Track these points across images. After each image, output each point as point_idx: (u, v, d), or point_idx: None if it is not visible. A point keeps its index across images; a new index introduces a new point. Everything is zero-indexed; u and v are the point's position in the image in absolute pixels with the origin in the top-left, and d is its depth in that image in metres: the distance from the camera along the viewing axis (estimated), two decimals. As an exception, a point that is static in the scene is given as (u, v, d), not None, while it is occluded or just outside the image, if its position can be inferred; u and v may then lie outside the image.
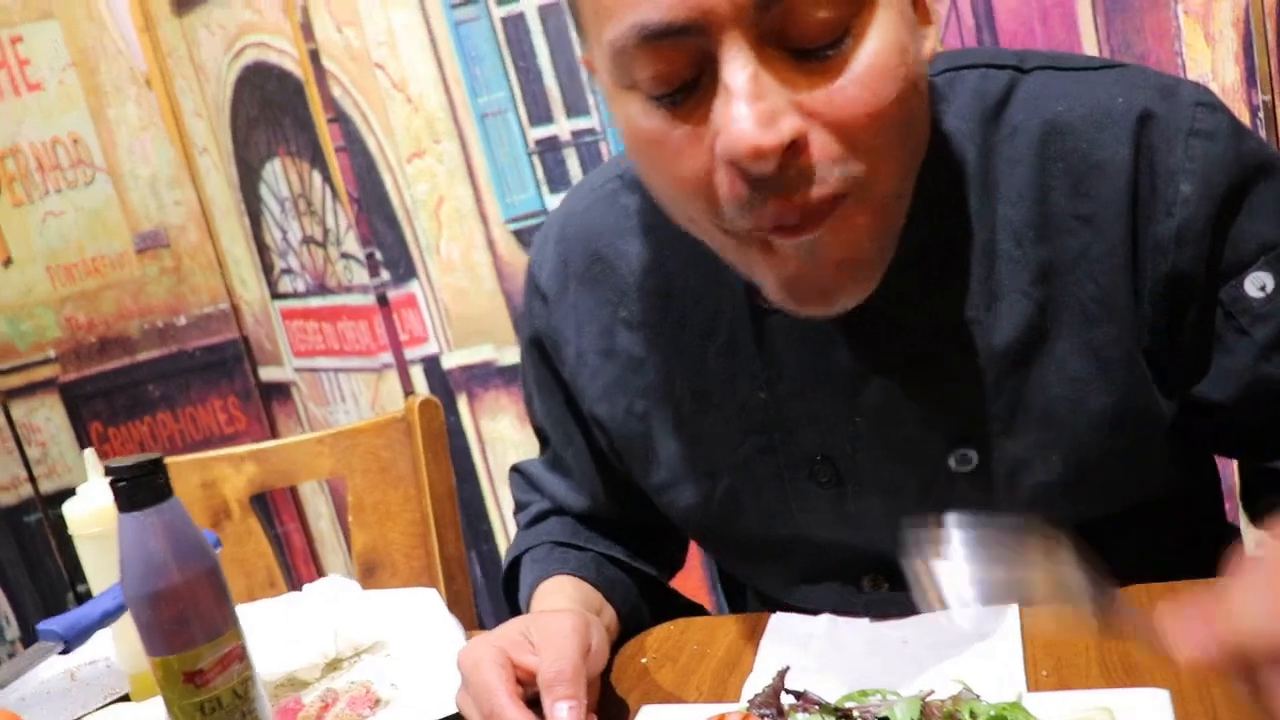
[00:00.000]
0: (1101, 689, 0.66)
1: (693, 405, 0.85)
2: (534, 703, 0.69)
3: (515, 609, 0.97)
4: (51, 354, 2.26)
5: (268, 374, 2.23)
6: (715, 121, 0.62)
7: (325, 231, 1.99)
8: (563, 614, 0.76)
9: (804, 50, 0.61)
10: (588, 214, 0.90)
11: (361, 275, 1.95)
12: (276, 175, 2.02)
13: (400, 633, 0.99)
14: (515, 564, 0.97)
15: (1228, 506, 1.01)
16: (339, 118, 1.88)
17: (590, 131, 1.83)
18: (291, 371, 2.18)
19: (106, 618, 0.82)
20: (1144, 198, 0.71)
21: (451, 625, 0.96)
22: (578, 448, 0.94)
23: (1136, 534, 0.83)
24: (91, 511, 0.95)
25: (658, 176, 0.68)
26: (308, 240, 2.03)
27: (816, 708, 0.68)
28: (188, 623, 0.69)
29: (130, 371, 2.22)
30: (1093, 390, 0.74)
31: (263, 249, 2.13)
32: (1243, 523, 1.40)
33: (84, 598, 2.35)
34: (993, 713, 0.63)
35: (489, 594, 2.06)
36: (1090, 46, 1.54)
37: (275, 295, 2.14)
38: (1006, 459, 0.77)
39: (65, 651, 0.80)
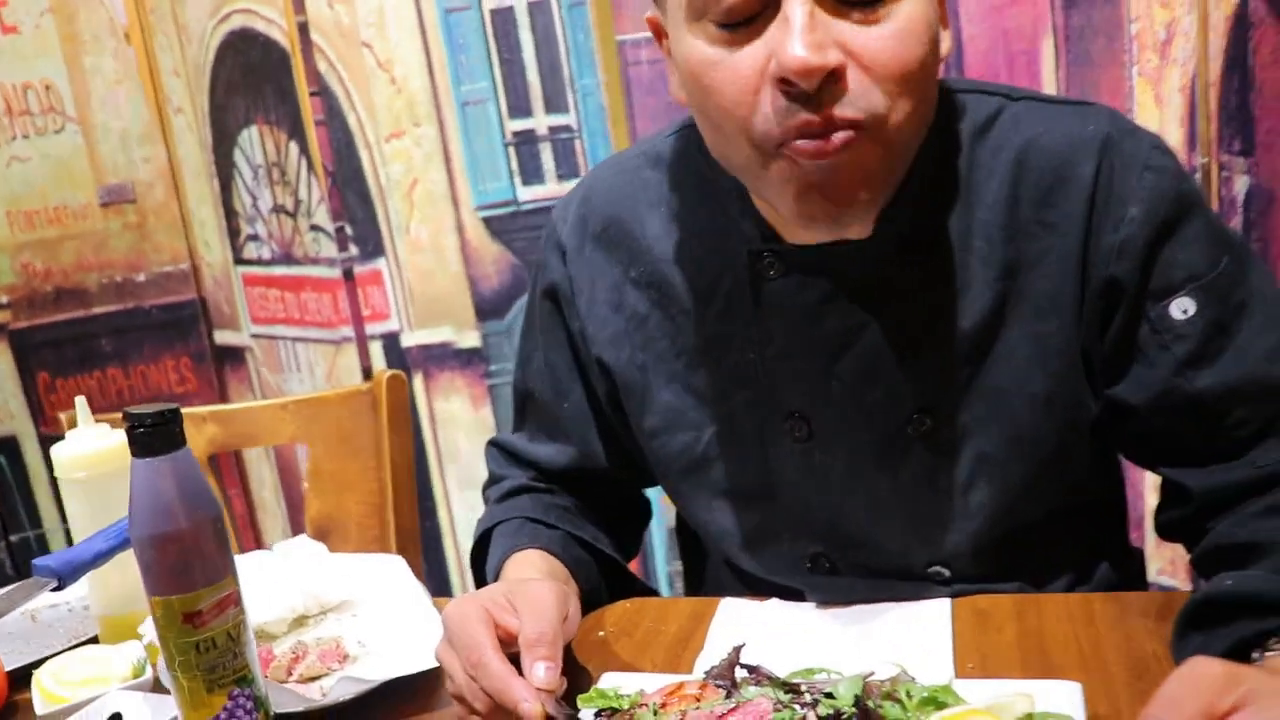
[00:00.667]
0: (1021, 679, 0.74)
1: (689, 361, 0.95)
2: (512, 660, 0.75)
3: (481, 576, 1.03)
4: (4, 300, 2.25)
5: (223, 337, 2.24)
6: (771, 45, 0.74)
7: (297, 202, 2.01)
8: (545, 583, 0.82)
9: (853, 2, 0.74)
10: (612, 182, 0.99)
11: (329, 248, 1.98)
12: (252, 142, 2.04)
13: (367, 595, 1.04)
14: (486, 535, 1.02)
15: (1134, 536, 1.11)
16: (322, 91, 1.91)
17: (567, 129, 1.88)
18: (248, 337, 2.20)
19: (99, 558, 0.86)
20: (1099, 212, 0.82)
21: (419, 591, 1.01)
22: (574, 400, 1.02)
23: (1055, 544, 0.93)
24: (78, 455, 0.99)
25: (710, 95, 0.78)
26: (278, 209, 2.05)
27: (767, 681, 0.74)
28: (190, 566, 0.73)
29: (84, 324, 2.22)
30: (1034, 375, 0.85)
31: (230, 214, 2.14)
32: (1149, 546, 1.51)
33: (16, 548, 2.35)
34: (925, 694, 0.70)
35: (428, 568, 2.10)
36: (1050, 93, 1.63)
37: (239, 260, 2.16)
38: (956, 428, 0.87)
39: (59, 588, 0.83)
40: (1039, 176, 0.84)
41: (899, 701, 0.70)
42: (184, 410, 1.48)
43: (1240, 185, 1.57)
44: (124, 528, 0.88)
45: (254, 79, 1.99)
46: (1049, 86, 1.64)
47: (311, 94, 1.91)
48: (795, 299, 0.88)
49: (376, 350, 2.00)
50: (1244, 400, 0.81)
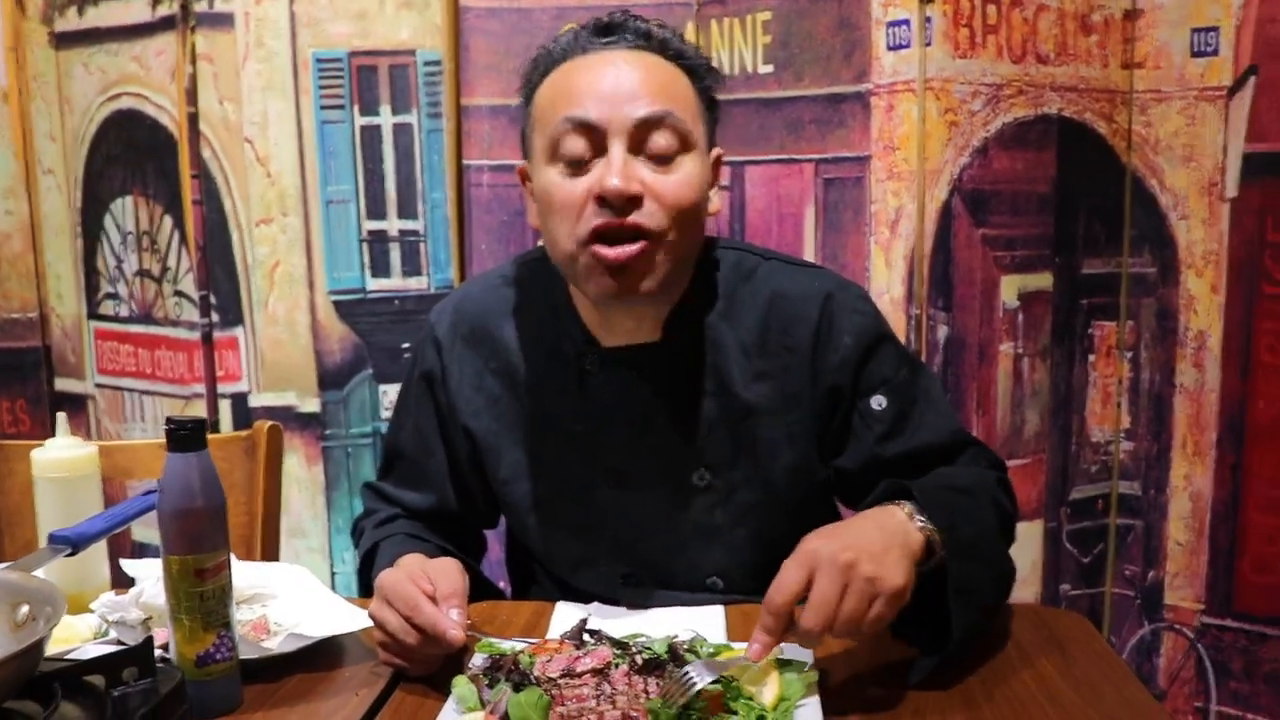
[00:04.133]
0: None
1: (530, 429, 1.29)
2: (434, 614, 1.05)
3: (366, 581, 1.31)
4: None
5: (64, 385, 2.38)
6: (597, 175, 1.13)
7: (164, 269, 2.22)
8: (449, 559, 1.13)
9: (651, 156, 1.14)
10: (479, 296, 1.34)
11: (191, 313, 2.20)
12: (125, 211, 2.25)
13: (275, 589, 1.30)
14: (373, 548, 1.31)
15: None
16: (202, 175, 2.16)
17: (414, 233, 2.21)
18: (92, 386, 2.36)
19: (101, 533, 1.10)
20: (822, 341, 1.24)
21: (319, 585, 1.28)
22: (437, 459, 1.35)
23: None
24: (55, 459, 1.22)
25: (554, 206, 1.16)
26: (143, 273, 2.26)
27: (606, 640, 1.08)
28: (201, 536, 1.00)
29: (-76, 359, 2.32)
30: (782, 450, 1.25)
31: (91, 272, 2.32)
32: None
33: None
34: (712, 650, 1.06)
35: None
36: (810, 247, 2.11)
37: (93, 315, 2.33)
38: (728, 482, 1.26)
39: (72, 554, 1.07)
40: (782, 314, 1.24)
41: (695, 653, 1.06)
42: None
43: (942, 333, 2.08)
44: (118, 513, 1.12)
45: (136, 155, 2.21)
46: (810, 242, 2.11)
47: (193, 176, 2.16)
48: (609, 386, 1.25)
49: (225, 407, 2.22)
50: (919, 459, 1.23)
